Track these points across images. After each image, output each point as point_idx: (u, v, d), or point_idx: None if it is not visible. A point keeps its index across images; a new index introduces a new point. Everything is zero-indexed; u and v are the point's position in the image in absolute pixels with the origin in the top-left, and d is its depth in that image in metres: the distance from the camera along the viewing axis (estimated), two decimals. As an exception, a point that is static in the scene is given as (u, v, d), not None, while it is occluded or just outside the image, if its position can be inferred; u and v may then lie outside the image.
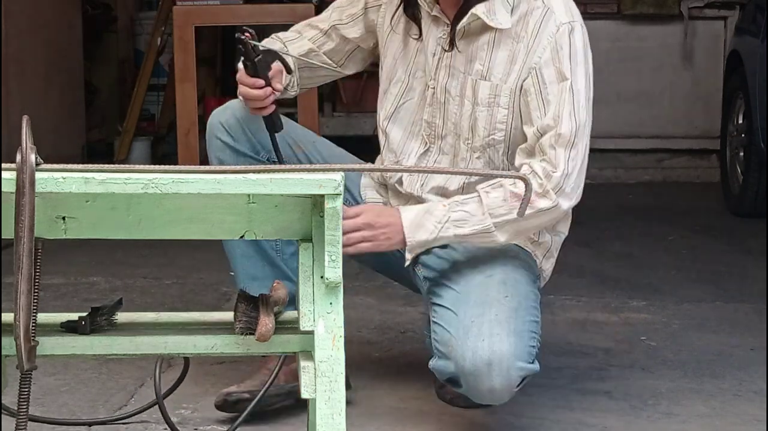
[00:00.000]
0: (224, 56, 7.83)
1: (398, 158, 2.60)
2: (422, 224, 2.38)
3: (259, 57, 2.42)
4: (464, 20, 2.43)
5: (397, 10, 2.58)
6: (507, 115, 2.45)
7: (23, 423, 1.69)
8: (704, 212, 5.89)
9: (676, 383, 2.93)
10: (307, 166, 1.82)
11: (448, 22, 2.47)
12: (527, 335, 2.31)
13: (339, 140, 2.87)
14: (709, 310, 3.75)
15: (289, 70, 2.54)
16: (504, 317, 2.29)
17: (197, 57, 5.08)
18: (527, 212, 2.26)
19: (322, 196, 1.74)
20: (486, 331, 2.26)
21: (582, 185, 2.44)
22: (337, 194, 1.73)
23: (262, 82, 2.44)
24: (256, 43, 2.41)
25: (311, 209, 1.82)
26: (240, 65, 2.48)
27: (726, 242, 5.04)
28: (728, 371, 3.03)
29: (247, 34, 2.40)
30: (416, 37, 2.54)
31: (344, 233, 2.06)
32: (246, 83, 2.46)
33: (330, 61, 2.69)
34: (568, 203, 2.40)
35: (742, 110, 5.70)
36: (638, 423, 2.61)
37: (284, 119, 2.63)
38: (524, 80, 2.42)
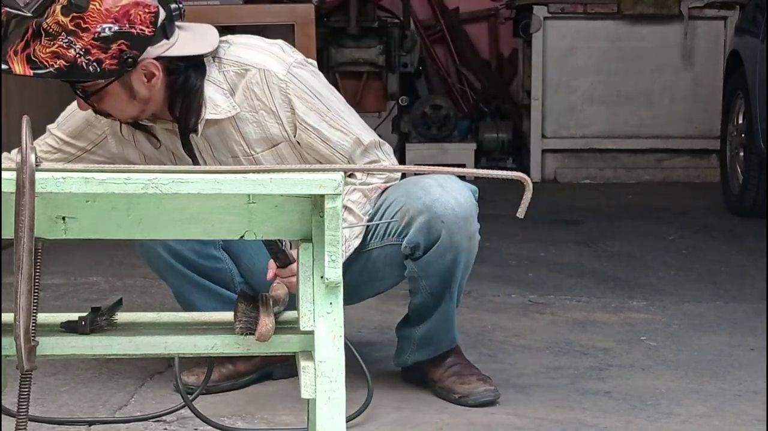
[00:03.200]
0: (224, 56, 7.82)
1: None
2: None
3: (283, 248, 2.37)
4: (200, 128, 2.54)
5: (121, 128, 2.61)
6: (295, 160, 2.59)
7: (23, 423, 1.69)
8: (704, 212, 5.89)
9: (676, 383, 2.92)
10: (307, 166, 1.82)
11: (177, 131, 2.57)
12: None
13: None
14: (709, 310, 3.75)
15: None
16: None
17: (197, 57, 5.07)
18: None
19: (322, 196, 1.74)
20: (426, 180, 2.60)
21: None
22: (337, 194, 1.73)
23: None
24: (279, 239, 2.36)
25: (311, 209, 1.82)
26: (272, 263, 2.45)
27: (726, 242, 5.04)
28: (728, 371, 3.03)
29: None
30: (158, 146, 2.63)
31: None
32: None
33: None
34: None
35: (742, 110, 5.69)
36: (638, 423, 2.61)
37: None
38: (295, 135, 2.56)
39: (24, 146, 1.66)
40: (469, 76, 8.07)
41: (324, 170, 1.76)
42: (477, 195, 2.65)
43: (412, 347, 2.79)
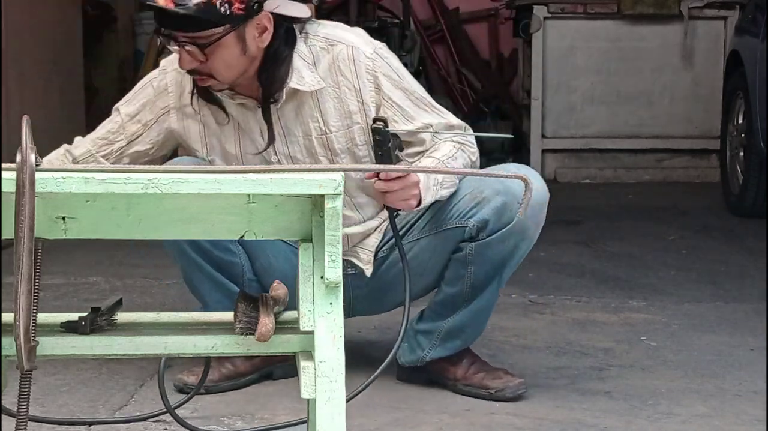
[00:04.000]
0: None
1: None
2: (429, 186, 2.54)
3: (391, 142, 2.42)
4: (283, 97, 2.56)
5: (192, 96, 2.63)
6: (368, 150, 2.62)
7: (23, 423, 1.69)
8: (704, 212, 5.89)
9: (676, 383, 2.93)
10: (307, 166, 1.82)
11: (257, 102, 2.59)
12: None
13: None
14: (709, 310, 3.75)
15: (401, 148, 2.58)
16: None
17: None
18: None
19: (322, 196, 1.74)
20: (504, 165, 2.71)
21: None
22: (337, 194, 1.73)
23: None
24: (388, 129, 2.41)
25: (311, 209, 1.82)
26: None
27: (726, 242, 5.04)
28: (728, 371, 3.03)
29: (380, 123, 2.42)
30: (225, 122, 2.64)
31: (402, 189, 2.44)
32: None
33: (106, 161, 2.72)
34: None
35: (742, 110, 5.70)
36: (638, 423, 2.61)
37: None
38: (378, 113, 2.58)
39: (24, 146, 1.66)
40: (469, 76, 8.08)
41: (324, 170, 1.76)
42: None
43: (434, 341, 2.77)
